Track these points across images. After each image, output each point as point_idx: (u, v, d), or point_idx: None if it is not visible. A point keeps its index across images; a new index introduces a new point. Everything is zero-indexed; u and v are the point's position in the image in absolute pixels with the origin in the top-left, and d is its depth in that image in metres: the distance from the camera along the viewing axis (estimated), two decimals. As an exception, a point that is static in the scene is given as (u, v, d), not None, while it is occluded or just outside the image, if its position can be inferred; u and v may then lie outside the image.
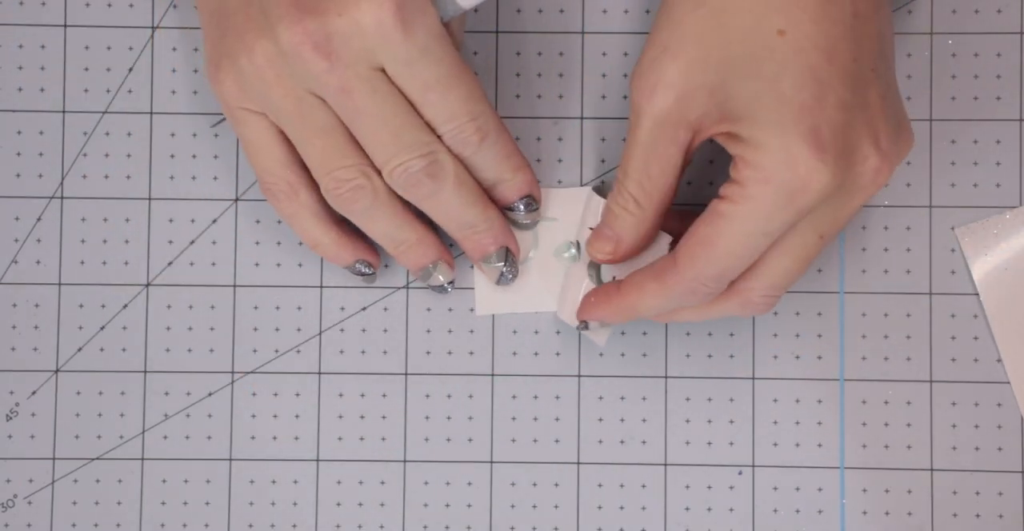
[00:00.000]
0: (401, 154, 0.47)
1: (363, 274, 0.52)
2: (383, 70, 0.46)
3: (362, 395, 0.54)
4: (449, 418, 0.54)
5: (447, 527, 0.54)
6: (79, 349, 0.54)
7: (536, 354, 0.54)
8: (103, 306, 0.54)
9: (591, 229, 0.50)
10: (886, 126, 0.44)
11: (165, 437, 0.54)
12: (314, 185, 0.49)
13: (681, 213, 0.50)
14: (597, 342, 0.53)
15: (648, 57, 0.45)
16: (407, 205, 0.49)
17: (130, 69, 0.54)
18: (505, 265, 0.51)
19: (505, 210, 0.51)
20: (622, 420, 0.54)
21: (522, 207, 0.50)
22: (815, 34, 0.43)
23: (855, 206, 0.45)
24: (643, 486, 0.53)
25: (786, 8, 0.43)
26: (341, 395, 0.54)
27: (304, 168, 0.49)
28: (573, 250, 0.52)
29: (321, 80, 0.45)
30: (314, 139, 0.47)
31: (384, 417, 0.54)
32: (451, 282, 0.52)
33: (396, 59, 0.45)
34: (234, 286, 0.54)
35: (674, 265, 0.46)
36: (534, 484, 0.54)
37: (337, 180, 0.48)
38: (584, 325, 0.51)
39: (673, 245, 0.50)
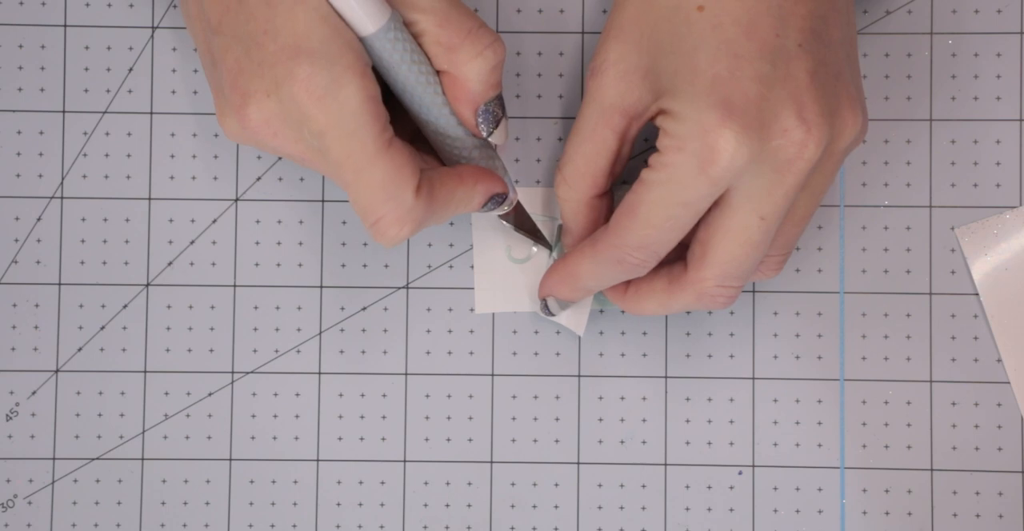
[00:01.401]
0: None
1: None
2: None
3: (362, 395, 0.54)
4: (449, 418, 0.54)
5: (447, 527, 0.54)
6: (79, 349, 0.54)
7: (536, 354, 0.54)
8: (103, 306, 0.54)
9: None
10: (815, 100, 0.44)
11: (165, 437, 0.54)
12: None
13: None
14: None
15: (599, 41, 0.47)
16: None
17: (130, 69, 0.54)
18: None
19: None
20: (622, 420, 0.54)
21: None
22: (735, 10, 0.44)
23: (790, 183, 0.44)
24: (643, 486, 0.53)
25: None
26: (341, 395, 0.54)
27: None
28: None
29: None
30: None
31: (384, 417, 0.54)
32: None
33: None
34: (234, 286, 0.54)
35: (604, 232, 0.47)
36: (534, 484, 0.54)
37: None
38: (544, 305, 0.51)
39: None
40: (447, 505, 0.54)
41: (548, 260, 0.53)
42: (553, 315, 0.52)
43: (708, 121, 0.43)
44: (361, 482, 0.54)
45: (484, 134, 0.47)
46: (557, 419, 0.54)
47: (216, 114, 0.47)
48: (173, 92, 0.54)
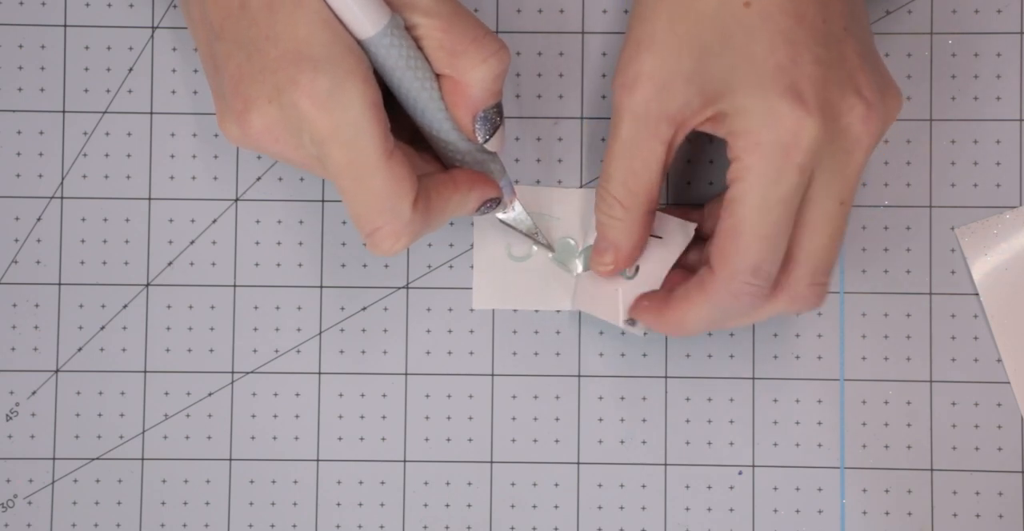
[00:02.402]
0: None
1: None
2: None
3: (362, 395, 0.54)
4: (449, 418, 0.54)
5: (447, 527, 0.54)
6: (79, 349, 0.54)
7: (536, 354, 0.54)
8: (103, 306, 0.54)
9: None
10: (868, 79, 0.45)
11: (165, 437, 0.54)
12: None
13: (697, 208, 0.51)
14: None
15: (625, 54, 0.46)
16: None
17: (130, 69, 0.54)
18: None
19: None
20: (622, 420, 0.54)
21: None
22: (780, 0, 0.44)
23: (858, 162, 0.45)
24: (643, 486, 0.53)
25: None
26: (341, 395, 0.54)
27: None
28: (577, 248, 0.52)
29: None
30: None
31: (384, 417, 0.54)
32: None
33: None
34: (234, 286, 0.54)
35: (710, 270, 0.46)
36: (534, 484, 0.54)
37: None
38: (632, 322, 0.51)
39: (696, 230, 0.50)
40: (447, 505, 0.54)
41: (550, 263, 0.53)
42: (635, 326, 0.51)
43: (780, 109, 0.43)
44: (361, 482, 0.54)
45: (480, 140, 0.47)
46: (557, 419, 0.54)
47: (217, 118, 0.47)
48: (173, 92, 0.54)
